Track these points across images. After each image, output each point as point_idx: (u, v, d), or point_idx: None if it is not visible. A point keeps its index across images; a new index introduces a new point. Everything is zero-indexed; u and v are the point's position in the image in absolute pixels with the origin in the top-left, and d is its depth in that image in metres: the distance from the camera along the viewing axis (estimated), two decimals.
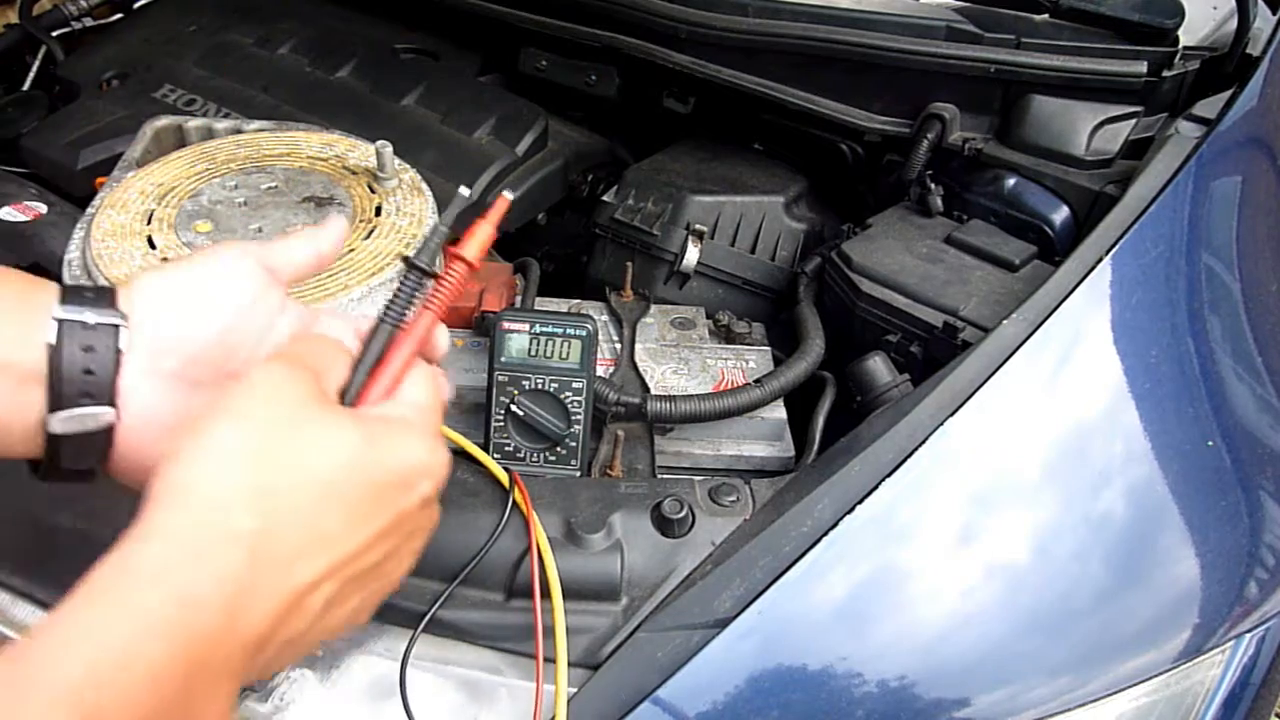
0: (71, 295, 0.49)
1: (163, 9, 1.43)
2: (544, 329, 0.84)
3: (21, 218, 0.97)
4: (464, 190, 0.56)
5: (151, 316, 0.50)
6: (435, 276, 0.53)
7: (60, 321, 0.48)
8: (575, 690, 0.65)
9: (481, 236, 0.54)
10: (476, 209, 1.08)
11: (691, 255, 1.13)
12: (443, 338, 0.56)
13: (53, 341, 0.47)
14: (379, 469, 0.46)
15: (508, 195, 0.56)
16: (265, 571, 0.41)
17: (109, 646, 0.36)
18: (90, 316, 0.48)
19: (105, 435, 0.49)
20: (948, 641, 0.70)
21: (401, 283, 0.53)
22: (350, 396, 0.49)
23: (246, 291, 0.53)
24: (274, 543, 0.41)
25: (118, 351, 0.48)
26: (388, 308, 0.52)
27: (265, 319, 0.54)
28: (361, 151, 0.91)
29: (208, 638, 0.38)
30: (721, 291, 1.16)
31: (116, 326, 0.49)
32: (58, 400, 0.47)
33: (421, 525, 0.50)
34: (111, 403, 0.48)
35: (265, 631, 0.41)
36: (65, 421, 0.48)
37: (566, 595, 0.67)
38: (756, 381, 0.92)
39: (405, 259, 0.52)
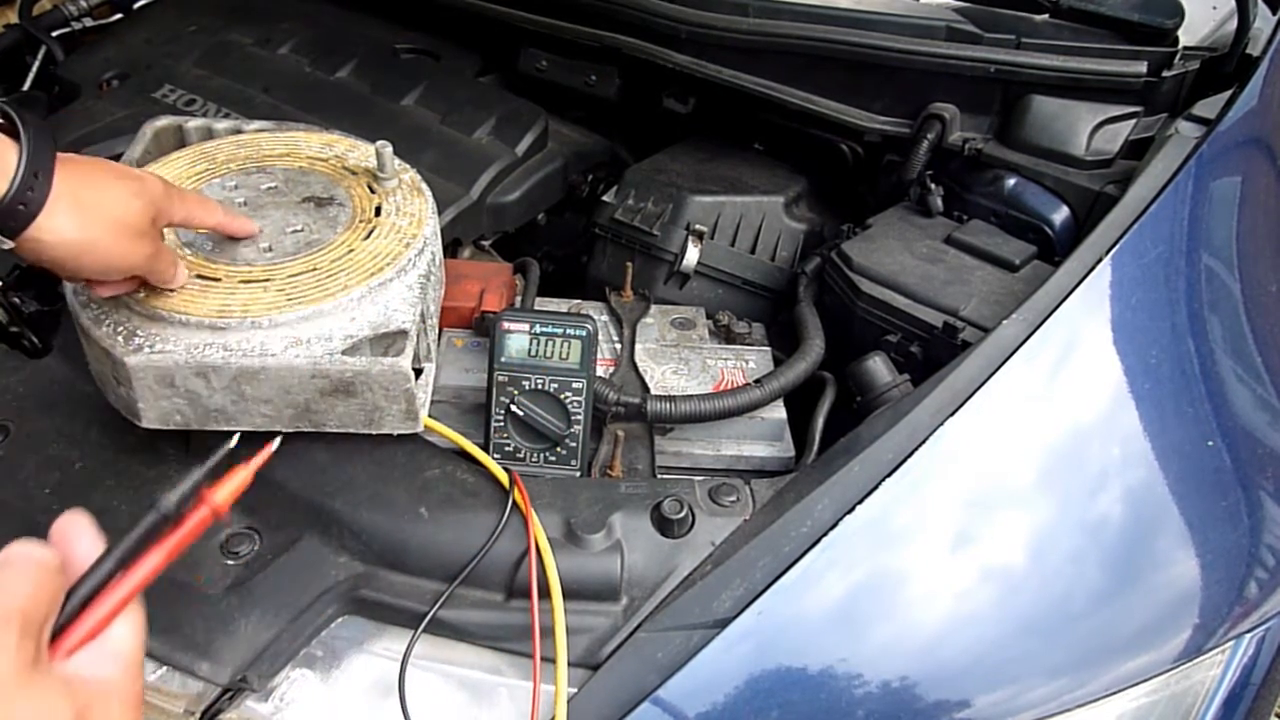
0: None
1: (163, 9, 1.43)
2: (544, 329, 0.84)
3: None
4: (232, 443, 0.54)
5: None
6: (176, 521, 0.51)
7: None
8: (575, 690, 0.65)
9: (235, 484, 0.52)
10: (469, 219, 1.08)
11: (691, 255, 1.13)
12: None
13: None
14: None
15: (274, 444, 0.55)
16: None
17: None
18: None
19: None
20: (947, 642, 0.70)
21: (144, 520, 0.50)
22: (55, 626, 0.47)
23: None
24: None
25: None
26: (120, 543, 0.49)
27: None
28: (361, 151, 0.91)
29: None
30: (721, 291, 1.16)
31: None
32: None
33: None
34: None
35: None
36: None
37: (566, 595, 0.67)
38: (756, 381, 0.92)
39: (152, 502, 0.50)
